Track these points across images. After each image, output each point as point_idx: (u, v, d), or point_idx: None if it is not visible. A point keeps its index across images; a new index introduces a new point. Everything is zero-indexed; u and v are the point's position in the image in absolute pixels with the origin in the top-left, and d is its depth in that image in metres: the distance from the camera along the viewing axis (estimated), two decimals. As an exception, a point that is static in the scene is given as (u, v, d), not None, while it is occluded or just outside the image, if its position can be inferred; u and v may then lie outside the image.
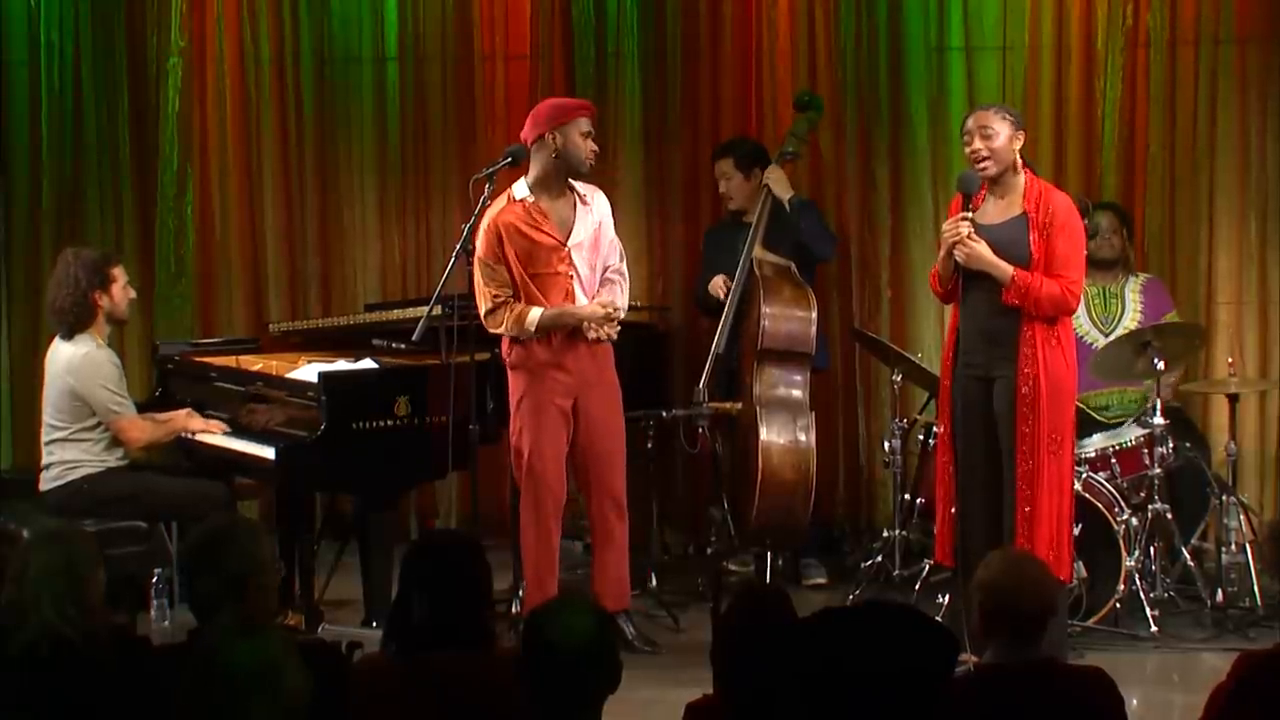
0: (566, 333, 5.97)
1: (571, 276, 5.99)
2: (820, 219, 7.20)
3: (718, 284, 6.97)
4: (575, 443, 6.05)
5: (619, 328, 6.04)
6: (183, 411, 6.51)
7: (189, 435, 6.44)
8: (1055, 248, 5.58)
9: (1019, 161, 5.67)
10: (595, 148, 6.03)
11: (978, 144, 5.63)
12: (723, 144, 7.38)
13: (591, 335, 5.97)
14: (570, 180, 6.02)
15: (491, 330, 5.99)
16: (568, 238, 5.99)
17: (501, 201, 5.99)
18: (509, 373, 6.05)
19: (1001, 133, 5.61)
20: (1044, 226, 5.59)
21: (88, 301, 6.21)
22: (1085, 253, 5.80)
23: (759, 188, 7.03)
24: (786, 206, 6.92)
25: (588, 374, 6.02)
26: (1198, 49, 7.34)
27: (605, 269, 6.11)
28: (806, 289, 6.84)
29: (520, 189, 5.99)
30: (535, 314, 5.90)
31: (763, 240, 6.92)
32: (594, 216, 6.06)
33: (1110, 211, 6.99)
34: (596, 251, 6.06)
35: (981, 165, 5.63)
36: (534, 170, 6.00)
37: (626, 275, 6.18)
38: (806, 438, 6.65)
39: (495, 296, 5.92)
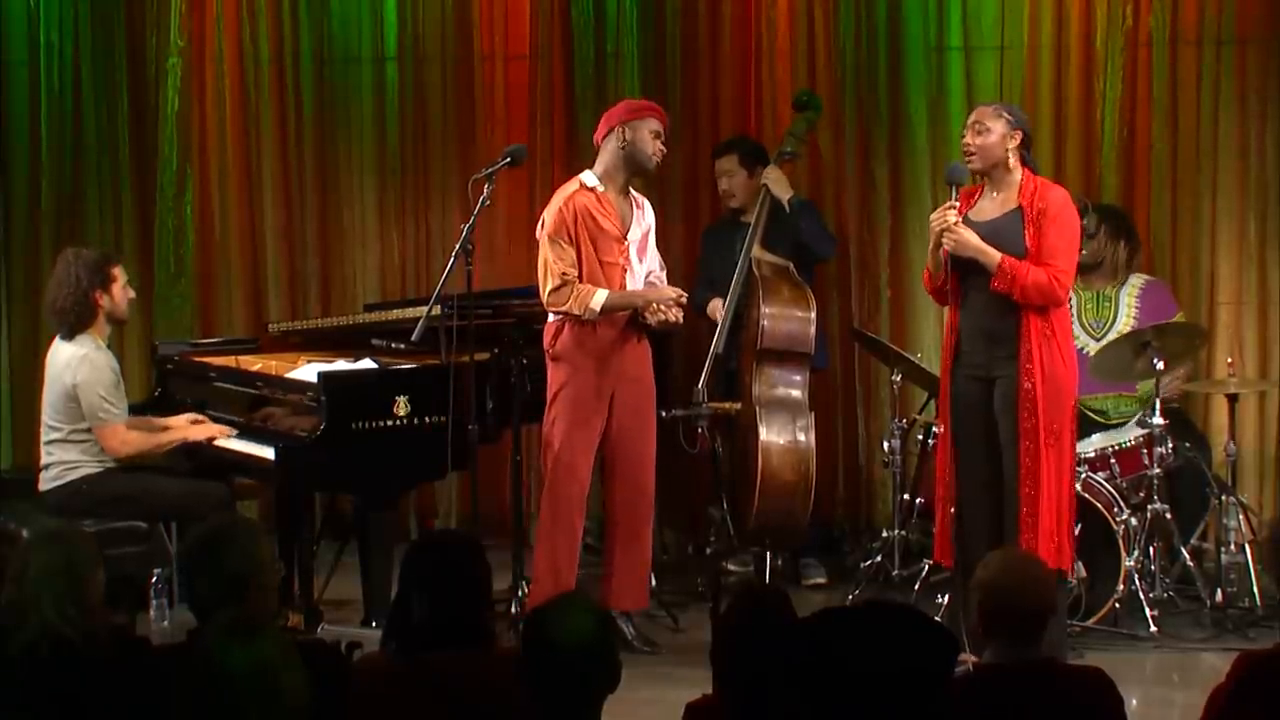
0: (619, 327, 6.02)
1: (626, 270, 6.08)
2: (819, 219, 7.21)
3: (715, 309, 6.96)
4: (607, 436, 6.08)
5: (682, 314, 6.10)
6: (184, 418, 6.47)
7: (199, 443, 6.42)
8: (1046, 237, 5.60)
9: (1012, 160, 5.67)
10: (663, 149, 6.14)
11: (969, 138, 5.68)
12: (725, 141, 7.38)
13: (659, 319, 6.02)
14: (630, 183, 6.13)
15: (552, 309, 6.01)
16: (626, 232, 6.07)
17: (572, 185, 6.09)
18: (550, 363, 6.08)
19: (995, 130, 5.65)
20: (1037, 219, 5.61)
21: (88, 301, 6.20)
22: (1079, 246, 5.80)
23: (761, 186, 7.04)
24: (786, 206, 6.93)
25: (627, 369, 6.08)
26: (1198, 49, 7.34)
27: (648, 273, 6.21)
28: (805, 289, 6.84)
29: (589, 178, 6.08)
30: (601, 295, 5.95)
31: (761, 240, 6.92)
32: (645, 221, 6.20)
33: (1094, 214, 6.94)
34: (645, 253, 6.17)
35: (969, 159, 5.68)
36: (601, 163, 6.11)
37: (664, 283, 6.26)
38: (806, 438, 6.65)
39: (564, 275, 5.96)
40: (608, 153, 6.10)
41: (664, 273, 6.32)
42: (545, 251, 6.00)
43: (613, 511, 6.18)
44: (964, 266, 5.66)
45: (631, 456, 6.11)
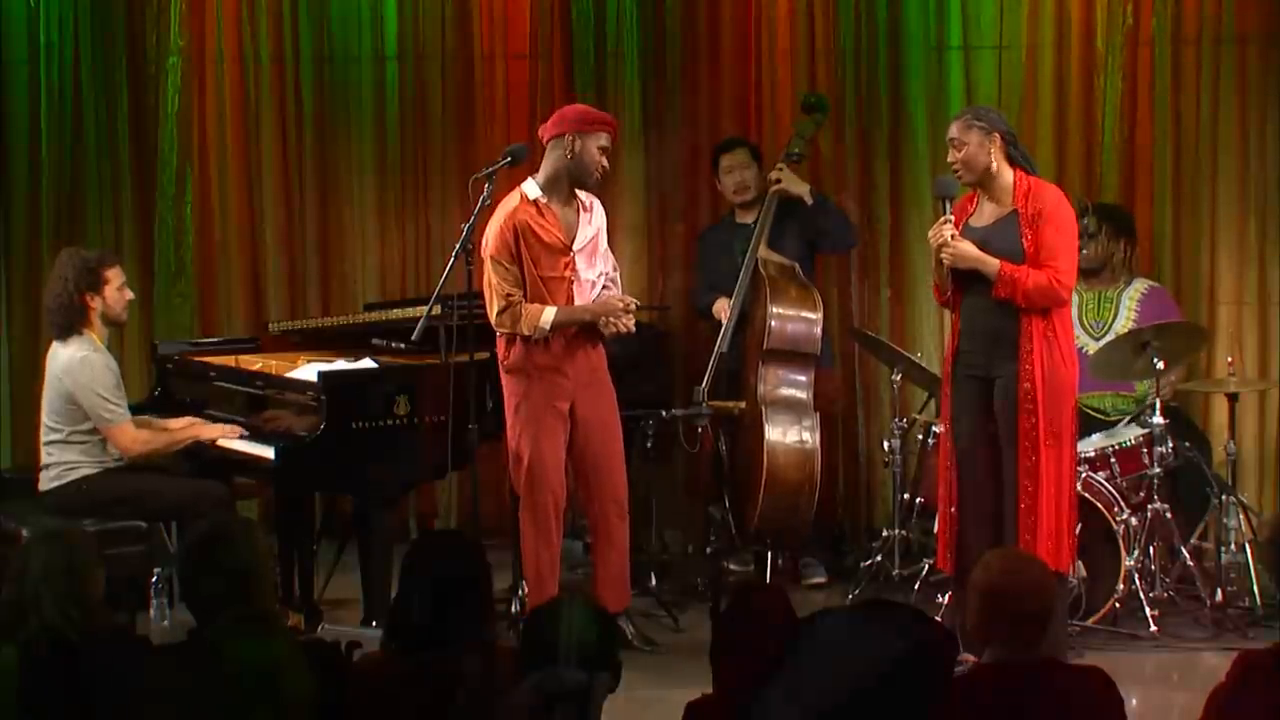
0: (568, 336, 5.97)
1: (573, 282, 6.00)
2: (838, 209, 7.23)
3: (721, 308, 6.96)
4: (573, 445, 6.04)
5: (634, 320, 6.04)
6: (192, 420, 6.46)
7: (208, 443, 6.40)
8: (1043, 238, 5.59)
9: (996, 164, 5.67)
10: (606, 165, 6.03)
11: (950, 155, 5.70)
12: (729, 139, 7.38)
13: (610, 330, 5.96)
14: (573, 191, 6.03)
15: (501, 330, 5.97)
16: (572, 242, 6.00)
17: (514, 199, 5.98)
18: (504, 376, 6.04)
19: (970, 141, 5.65)
20: (1033, 220, 5.61)
21: (75, 303, 6.15)
22: (1077, 245, 5.80)
23: (770, 183, 7.06)
24: (809, 199, 6.96)
25: (583, 377, 6.02)
26: (1198, 48, 7.34)
27: (601, 275, 6.11)
28: (812, 290, 6.87)
29: (532, 189, 5.98)
30: (550, 312, 5.89)
31: (767, 240, 6.94)
32: (594, 225, 6.08)
33: (1094, 215, 6.92)
34: (595, 258, 6.07)
35: (956, 174, 5.71)
36: (545, 170, 6.00)
37: (620, 284, 6.20)
38: (811, 438, 6.66)
39: (509, 296, 5.90)
40: (551, 161, 5.96)
41: (618, 274, 6.21)
42: (489, 273, 5.92)
43: (588, 515, 6.18)
44: (965, 273, 5.66)
45: (600, 461, 6.06)
